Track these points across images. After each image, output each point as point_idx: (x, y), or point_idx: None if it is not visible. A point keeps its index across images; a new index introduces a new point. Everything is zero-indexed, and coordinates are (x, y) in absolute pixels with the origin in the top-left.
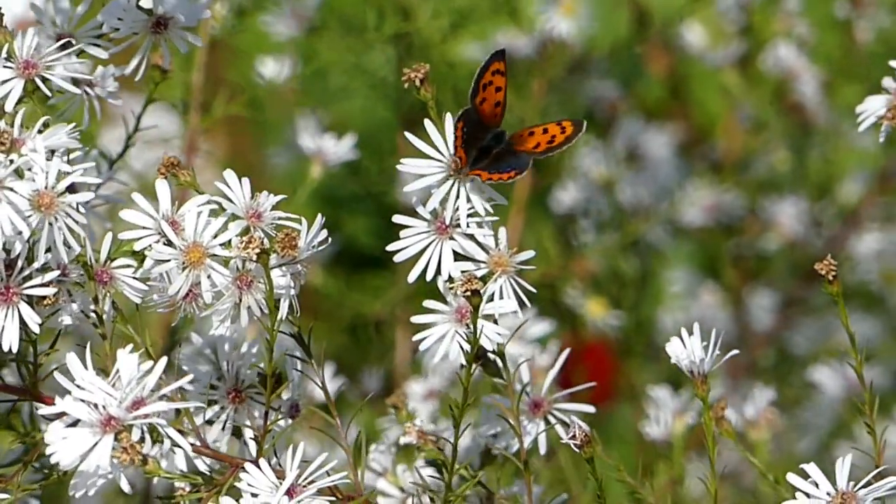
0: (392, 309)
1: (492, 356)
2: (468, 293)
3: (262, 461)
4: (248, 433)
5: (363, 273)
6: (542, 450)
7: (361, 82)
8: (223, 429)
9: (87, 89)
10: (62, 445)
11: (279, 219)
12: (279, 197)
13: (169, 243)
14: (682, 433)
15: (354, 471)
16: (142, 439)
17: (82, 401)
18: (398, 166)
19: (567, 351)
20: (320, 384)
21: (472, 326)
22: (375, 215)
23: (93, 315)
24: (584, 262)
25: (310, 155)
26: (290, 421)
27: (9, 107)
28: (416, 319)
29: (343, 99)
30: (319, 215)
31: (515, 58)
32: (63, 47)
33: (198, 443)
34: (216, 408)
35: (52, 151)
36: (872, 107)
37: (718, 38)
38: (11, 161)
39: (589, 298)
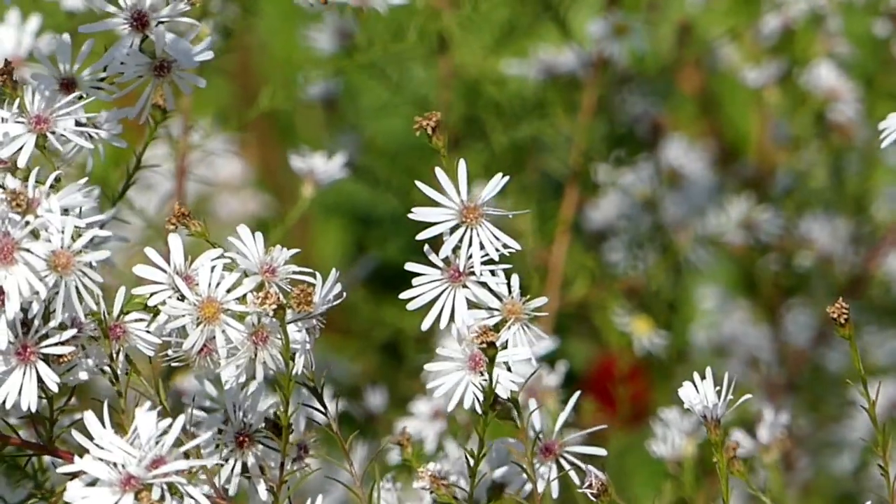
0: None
1: (505, 401)
2: (484, 345)
3: None
4: (262, 487)
5: (400, 291)
6: (555, 494)
7: (402, 100)
8: (232, 472)
9: (91, 133)
10: None
11: (294, 273)
12: (293, 251)
13: (183, 298)
14: (692, 454)
15: None
16: (161, 498)
17: (101, 460)
18: (409, 215)
19: (578, 393)
20: (335, 433)
21: (486, 376)
22: (410, 234)
23: (108, 370)
24: (629, 281)
25: (301, 175)
26: (302, 465)
27: (21, 163)
28: (430, 367)
29: (383, 117)
30: (334, 270)
31: (559, 73)
32: (72, 99)
33: (213, 493)
34: (224, 451)
35: (66, 210)
36: (895, 123)
37: (752, 56)
38: (27, 222)
39: (635, 318)
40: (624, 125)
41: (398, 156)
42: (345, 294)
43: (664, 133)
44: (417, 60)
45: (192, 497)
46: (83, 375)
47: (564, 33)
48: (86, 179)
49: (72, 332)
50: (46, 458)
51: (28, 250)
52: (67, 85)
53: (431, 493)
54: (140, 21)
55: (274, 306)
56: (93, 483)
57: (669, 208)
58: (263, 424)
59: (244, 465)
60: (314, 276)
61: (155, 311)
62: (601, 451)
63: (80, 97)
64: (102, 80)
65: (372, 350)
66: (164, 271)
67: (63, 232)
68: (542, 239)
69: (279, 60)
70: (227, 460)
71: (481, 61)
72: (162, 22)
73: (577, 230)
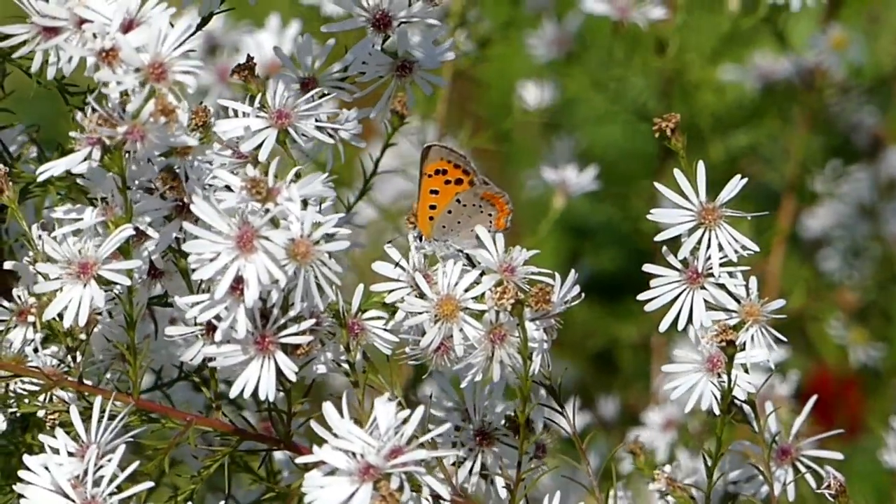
0: (647, 333)
1: (741, 404)
2: (723, 343)
3: None
4: (500, 482)
5: (616, 301)
6: (791, 496)
7: (621, 107)
8: (470, 472)
9: (331, 133)
10: (321, 493)
11: (532, 274)
12: (532, 252)
13: (421, 296)
14: None
15: None
16: (400, 487)
17: (340, 449)
18: (648, 216)
19: (815, 398)
20: (571, 433)
21: (724, 376)
22: (624, 243)
23: (345, 365)
24: (845, 293)
25: (553, 185)
26: (539, 464)
27: (262, 157)
28: (667, 368)
29: (600, 125)
30: (573, 271)
31: (775, 80)
32: (312, 95)
33: (451, 491)
34: (463, 450)
35: (305, 202)
36: None
37: None
38: (267, 210)
39: (852, 330)
40: (841, 135)
41: (615, 164)
42: (583, 295)
43: (883, 144)
44: (635, 69)
45: (430, 487)
46: (321, 369)
47: (782, 43)
48: (326, 174)
49: (310, 321)
50: (279, 460)
51: (267, 238)
52: (307, 84)
53: (667, 495)
54: (382, 21)
55: (512, 301)
56: (331, 473)
57: (888, 219)
58: (504, 423)
59: (483, 465)
60: (553, 276)
61: (393, 310)
62: (837, 455)
63: (322, 95)
64: (343, 79)
65: (585, 359)
66: (404, 269)
67: (303, 221)
68: (759, 250)
69: (495, 67)
70: (465, 460)
71: (700, 70)
72: (404, 22)
73: (793, 240)
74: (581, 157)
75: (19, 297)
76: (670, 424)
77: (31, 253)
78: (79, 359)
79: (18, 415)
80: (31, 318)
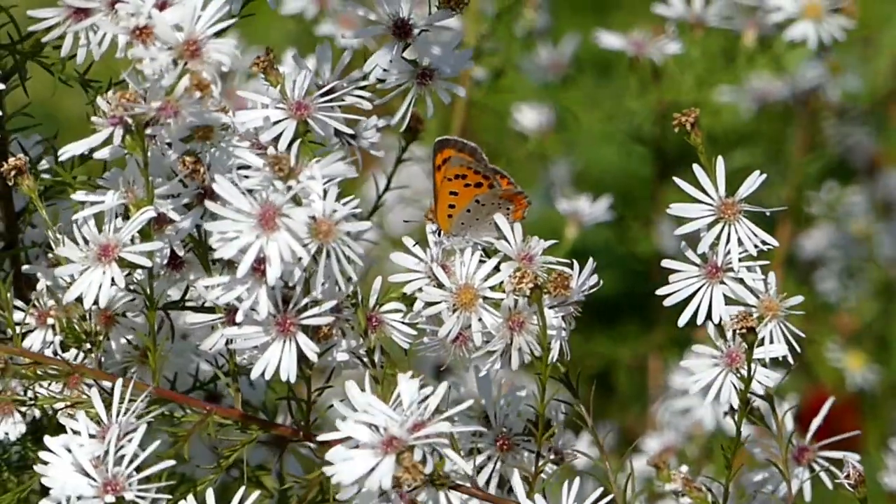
0: (644, 355)
1: (758, 400)
2: (744, 331)
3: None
4: (517, 476)
5: (612, 323)
6: (808, 496)
7: (616, 129)
8: (489, 478)
9: (350, 140)
10: (343, 466)
11: (550, 263)
12: (550, 242)
13: (440, 286)
14: None
15: None
16: (423, 460)
17: (363, 423)
18: (668, 210)
19: (831, 399)
20: (589, 428)
21: (745, 366)
22: (620, 265)
23: (363, 356)
24: (842, 316)
25: (565, 216)
26: (556, 467)
27: (282, 146)
28: (687, 364)
29: (597, 147)
30: (591, 259)
31: (770, 102)
32: (330, 92)
33: (468, 483)
34: (482, 456)
35: (325, 191)
36: None
37: None
38: (289, 188)
39: (848, 353)
40: (837, 157)
41: (611, 187)
42: (601, 283)
43: (879, 166)
44: (631, 91)
45: (451, 459)
46: (342, 356)
47: (778, 67)
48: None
49: (332, 302)
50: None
51: (289, 216)
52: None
53: (683, 495)
54: (402, 29)
55: (531, 285)
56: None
57: (883, 241)
58: (526, 427)
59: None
60: (571, 265)
61: (410, 302)
62: (855, 456)
63: (340, 86)
64: (363, 87)
65: (581, 381)
66: (421, 259)
67: (325, 200)
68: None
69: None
70: (483, 466)
71: (696, 92)
72: (424, 30)
73: (789, 261)
74: (577, 180)
75: (38, 299)
76: (669, 450)
77: (50, 255)
78: (100, 357)
79: (37, 417)
80: (50, 321)
